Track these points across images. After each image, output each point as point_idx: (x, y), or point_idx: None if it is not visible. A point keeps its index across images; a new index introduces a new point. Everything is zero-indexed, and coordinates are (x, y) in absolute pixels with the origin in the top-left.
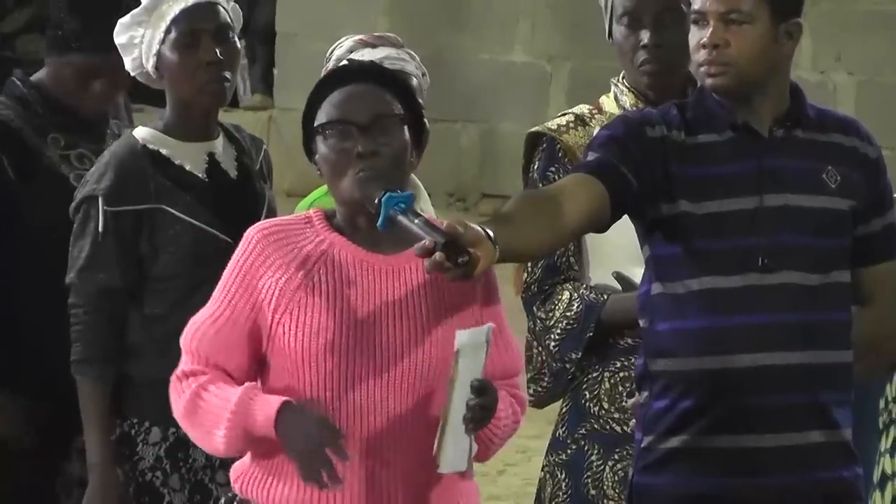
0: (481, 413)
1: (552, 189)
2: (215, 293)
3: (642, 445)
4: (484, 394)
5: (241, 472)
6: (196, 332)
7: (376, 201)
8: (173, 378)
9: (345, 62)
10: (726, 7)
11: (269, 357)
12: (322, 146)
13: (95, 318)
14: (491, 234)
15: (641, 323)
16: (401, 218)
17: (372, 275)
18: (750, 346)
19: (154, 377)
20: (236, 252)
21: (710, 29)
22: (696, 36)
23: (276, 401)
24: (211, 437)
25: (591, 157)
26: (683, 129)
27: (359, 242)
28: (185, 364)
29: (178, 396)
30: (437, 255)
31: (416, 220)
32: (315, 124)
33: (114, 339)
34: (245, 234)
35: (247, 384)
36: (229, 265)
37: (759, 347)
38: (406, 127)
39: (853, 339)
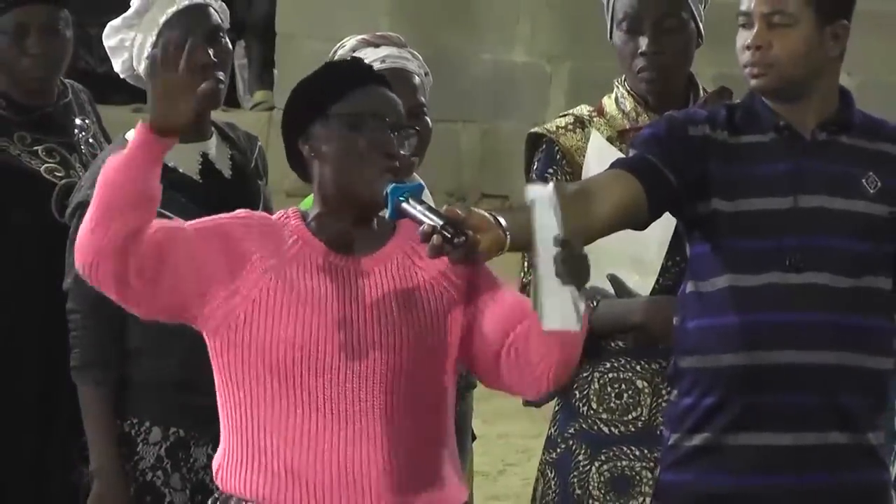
0: (571, 264)
1: (585, 183)
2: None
3: (669, 443)
4: (568, 247)
5: (220, 463)
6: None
7: (384, 193)
8: None
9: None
10: (770, 8)
11: (214, 331)
12: (342, 133)
13: (93, 323)
14: (502, 221)
15: (675, 321)
16: (405, 206)
17: (342, 277)
18: (771, 343)
19: (153, 378)
20: (222, 215)
21: (755, 30)
22: (742, 38)
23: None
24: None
25: (632, 154)
26: (728, 129)
27: (330, 245)
28: None
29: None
30: (435, 237)
31: (419, 207)
32: (336, 110)
33: (112, 343)
34: (235, 211)
35: None
36: (211, 218)
37: (781, 345)
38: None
39: None
